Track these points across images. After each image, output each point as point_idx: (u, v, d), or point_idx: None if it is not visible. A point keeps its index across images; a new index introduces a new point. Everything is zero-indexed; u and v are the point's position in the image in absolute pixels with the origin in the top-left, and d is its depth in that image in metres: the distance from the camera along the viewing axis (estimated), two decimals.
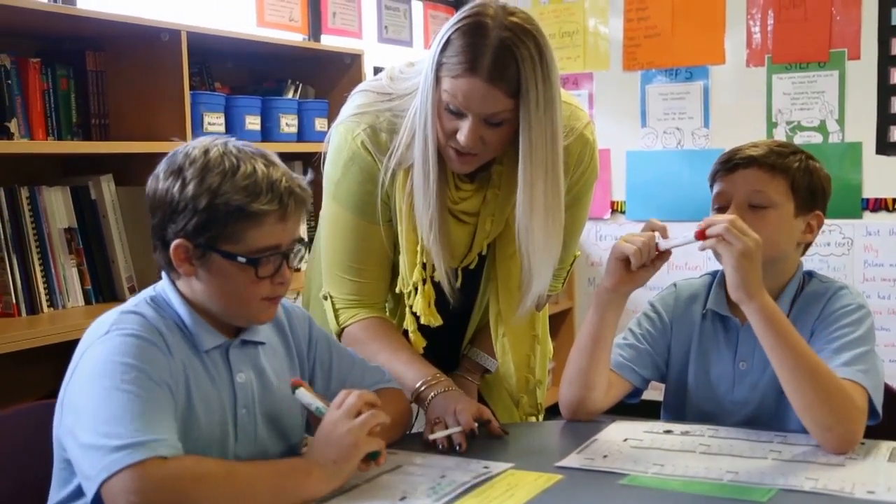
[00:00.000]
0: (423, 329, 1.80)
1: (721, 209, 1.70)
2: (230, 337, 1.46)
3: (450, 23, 1.60)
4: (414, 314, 1.78)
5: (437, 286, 1.77)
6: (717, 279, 1.76)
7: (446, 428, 1.58)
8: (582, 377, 1.69)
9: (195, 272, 1.40)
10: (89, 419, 1.26)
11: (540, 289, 1.75)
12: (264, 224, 1.38)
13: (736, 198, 1.67)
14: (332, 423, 1.39)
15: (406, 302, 1.79)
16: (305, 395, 1.45)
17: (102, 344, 1.33)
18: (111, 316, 1.38)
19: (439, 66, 1.59)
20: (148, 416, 1.25)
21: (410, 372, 1.71)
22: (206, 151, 1.38)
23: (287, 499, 1.31)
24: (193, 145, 1.40)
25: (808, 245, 1.75)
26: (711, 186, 1.75)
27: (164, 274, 1.46)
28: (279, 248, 1.41)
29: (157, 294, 1.45)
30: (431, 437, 1.58)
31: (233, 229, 1.37)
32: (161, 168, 1.41)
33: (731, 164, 1.71)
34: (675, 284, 1.84)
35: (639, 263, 1.60)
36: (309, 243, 1.81)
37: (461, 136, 1.60)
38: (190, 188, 1.36)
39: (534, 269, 1.72)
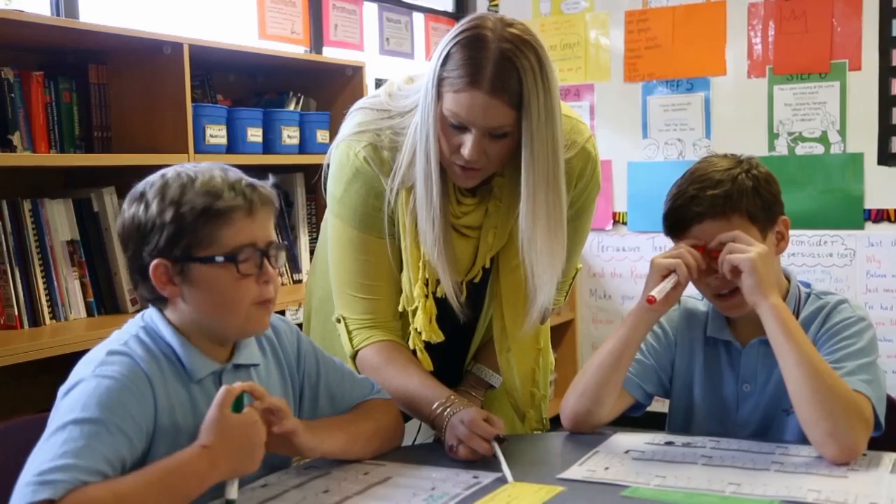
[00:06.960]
0: (426, 345, 1.78)
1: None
2: (223, 362, 1.46)
3: (448, 36, 1.60)
4: (416, 331, 1.76)
5: (441, 302, 1.76)
6: (711, 306, 1.76)
7: (469, 448, 1.56)
8: (597, 392, 1.68)
9: (179, 292, 1.40)
10: (35, 449, 1.26)
11: (544, 301, 1.74)
12: (234, 221, 1.39)
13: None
14: (244, 428, 1.35)
15: (410, 320, 1.77)
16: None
17: (79, 387, 1.32)
18: (98, 354, 1.37)
19: (440, 81, 1.59)
20: (79, 457, 1.22)
21: (425, 394, 1.69)
22: (163, 175, 1.42)
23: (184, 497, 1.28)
24: (151, 176, 1.44)
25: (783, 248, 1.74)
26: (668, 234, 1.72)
27: (150, 306, 1.46)
28: (255, 244, 1.41)
29: (147, 324, 1.43)
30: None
31: (204, 232, 1.37)
32: (124, 203, 1.44)
33: (683, 224, 1.67)
34: (680, 301, 1.81)
35: (686, 276, 1.60)
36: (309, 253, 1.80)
37: (465, 151, 1.59)
38: (154, 206, 1.38)
39: (538, 281, 1.71)
